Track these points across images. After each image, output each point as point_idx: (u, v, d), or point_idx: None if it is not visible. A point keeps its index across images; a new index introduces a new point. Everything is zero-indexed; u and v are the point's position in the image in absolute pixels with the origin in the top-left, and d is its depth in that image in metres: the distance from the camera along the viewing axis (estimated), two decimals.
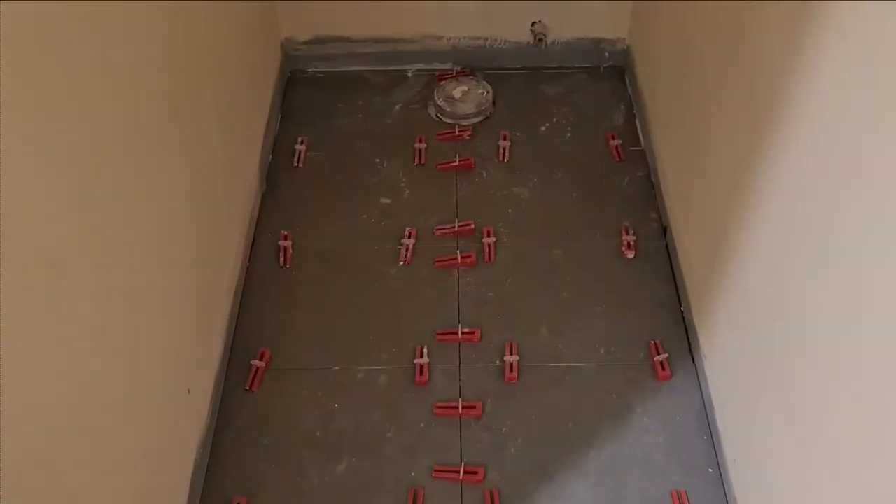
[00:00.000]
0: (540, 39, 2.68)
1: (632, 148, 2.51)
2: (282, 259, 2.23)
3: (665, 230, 2.26)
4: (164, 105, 1.68)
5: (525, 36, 2.71)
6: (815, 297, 1.34)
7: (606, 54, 2.77)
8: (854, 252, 1.20)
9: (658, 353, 2.00)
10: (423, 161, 2.49)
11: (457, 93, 2.65)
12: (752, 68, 1.60)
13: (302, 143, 2.54)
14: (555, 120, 2.61)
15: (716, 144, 1.83)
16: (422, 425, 1.91)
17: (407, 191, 2.41)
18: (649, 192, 2.38)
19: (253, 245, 2.28)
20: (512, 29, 2.70)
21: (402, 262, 2.22)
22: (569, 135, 2.56)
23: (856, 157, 1.19)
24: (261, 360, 2.01)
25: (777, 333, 1.51)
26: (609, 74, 2.77)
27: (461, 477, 1.81)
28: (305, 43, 2.75)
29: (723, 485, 1.79)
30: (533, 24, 2.68)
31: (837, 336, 1.26)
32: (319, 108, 2.67)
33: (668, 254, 2.22)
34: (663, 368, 1.97)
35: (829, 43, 1.26)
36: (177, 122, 1.75)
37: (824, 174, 1.29)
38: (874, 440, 1.16)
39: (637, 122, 2.58)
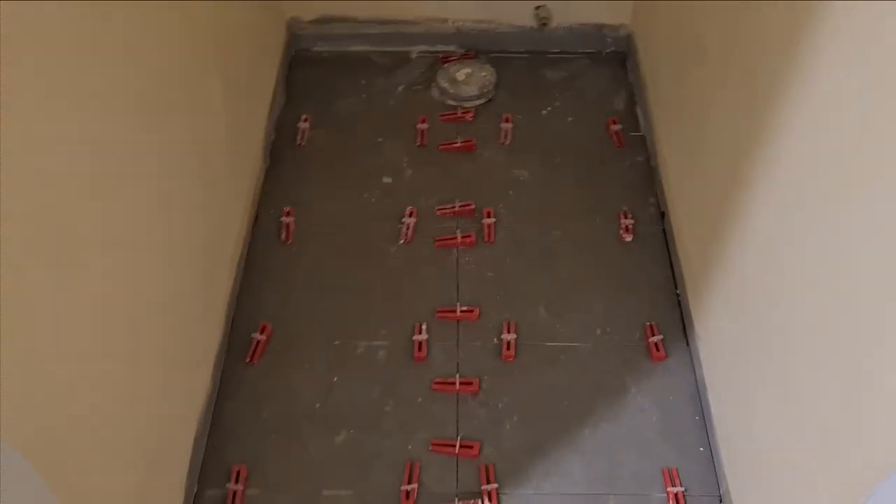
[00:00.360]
0: (543, 24, 2.69)
1: (632, 133, 2.53)
2: (284, 235, 2.26)
3: (663, 215, 2.29)
4: (172, 80, 1.69)
5: (529, 20, 2.72)
6: (811, 283, 1.36)
7: (609, 40, 2.78)
8: (851, 240, 1.22)
9: (653, 335, 2.03)
10: (425, 142, 2.51)
11: (460, 75, 2.67)
12: (751, 57, 1.62)
13: (305, 121, 2.56)
14: (556, 104, 2.63)
15: (715, 131, 1.85)
16: (419, 400, 1.94)
17: (409, 171, 2.43)
18: (648, 178, 2.41)
19: (255, 221, 2.30)
20: (516, 13, 2.71)
21: (402, 241, 2.25)
22: (570, 119, 2.58)
23: (851, 147, 1.21)
24: (261, 333, 2.04)
25: (772, 317, 1.53)
26: (611, 60, 2.79)
27: (457, 451, 1.85)
28: (310, 22, 2.76)
29: (713, 463, 1.82)
30: (537, 8, 2.69)
31: (834, 322, 1.28)
32: (323, 88, 2.68)
33: (666, 238, 2.25)
34: (658, 350, 2.00)
35: (825, 43, 1.28)
36: (184, 98, 1.77)
37: (820, 162, 1.31)
38: (866, 425, 1.18)
39: (638, 107, 2.60)
